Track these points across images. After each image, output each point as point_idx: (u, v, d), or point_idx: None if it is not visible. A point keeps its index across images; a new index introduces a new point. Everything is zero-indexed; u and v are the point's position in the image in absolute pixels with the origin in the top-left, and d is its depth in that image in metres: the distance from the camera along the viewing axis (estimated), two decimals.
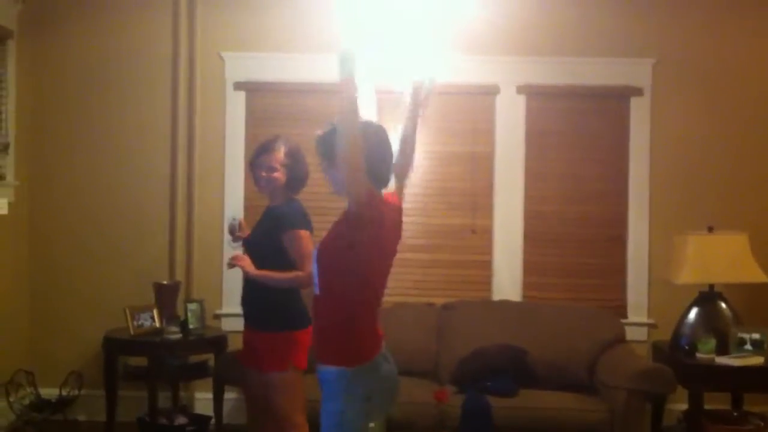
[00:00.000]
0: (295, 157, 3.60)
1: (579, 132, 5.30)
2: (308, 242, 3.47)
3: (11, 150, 5.08)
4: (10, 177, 5.08)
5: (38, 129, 5.33)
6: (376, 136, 2.70)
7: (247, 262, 3.53)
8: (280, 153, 3.58)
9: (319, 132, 2.78)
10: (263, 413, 3.61)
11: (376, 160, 2.65)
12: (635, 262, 5.24)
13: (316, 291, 2.75)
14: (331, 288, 2.70)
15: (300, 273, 3.43)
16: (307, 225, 3.56)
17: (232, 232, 3.79)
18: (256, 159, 3.64)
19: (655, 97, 5.24)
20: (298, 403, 3.50)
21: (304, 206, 3.63)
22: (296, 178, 3.61)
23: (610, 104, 5.31)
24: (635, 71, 5.25)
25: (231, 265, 3.58)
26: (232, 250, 4.04)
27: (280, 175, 3.57)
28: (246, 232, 3.77)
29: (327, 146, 2.69)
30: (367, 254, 2.65)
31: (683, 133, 5.24)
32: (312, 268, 2.79)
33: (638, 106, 5.24)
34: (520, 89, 5.27)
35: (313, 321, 2.83)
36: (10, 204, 5.08)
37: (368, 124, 2.70)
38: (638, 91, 5.24)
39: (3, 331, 4.98)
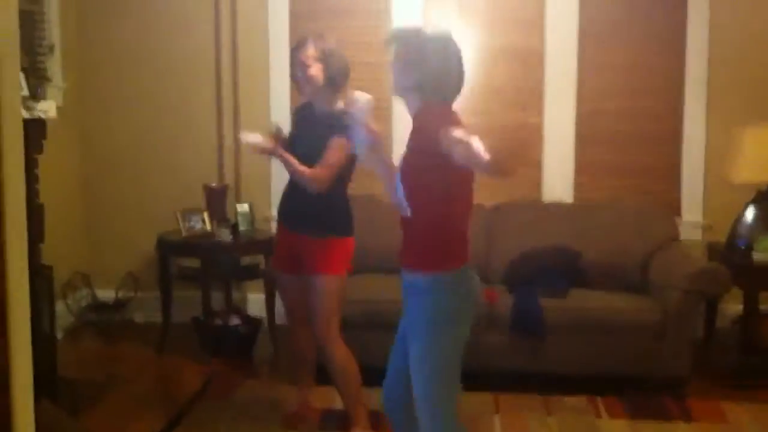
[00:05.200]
0: (329, 53, 3.47)
1: (634, 21, 5.04)
2: (342, 153, 3.39)
3: (56, 52, 5.04)
4: (57, 79, 5.04)
5: (83, 32, 5.29)
6: (441, 48, 2.68)
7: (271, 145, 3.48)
8: (311, 48, 3.46)
9: (402, 29, 2.82)
10: (301, 318, 3.65)
11: (441, 74, 2.66)
12: (691, 159, 5.06)
13: (407, 213, 2.72)
14: (421, 202, 2.67)
15: (318, 172, 3.38)
16: None
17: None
18: (290, 60, 3.55)
19: None
20: (335, 307, 3.50)
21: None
22: (335, 74, 3.48)
23: None
24: None
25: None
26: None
27: (315, 71, 3.46)
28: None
29: (407, 48, 2.69)
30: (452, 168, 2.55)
31: (745, 21, 4.93)
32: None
33: None
34: None
35: (403, 235, 2.78)
36: (59, 108, 5.07)
37: (433, 39, 2.70)
38: None
39: (58, 235, 5.04)
